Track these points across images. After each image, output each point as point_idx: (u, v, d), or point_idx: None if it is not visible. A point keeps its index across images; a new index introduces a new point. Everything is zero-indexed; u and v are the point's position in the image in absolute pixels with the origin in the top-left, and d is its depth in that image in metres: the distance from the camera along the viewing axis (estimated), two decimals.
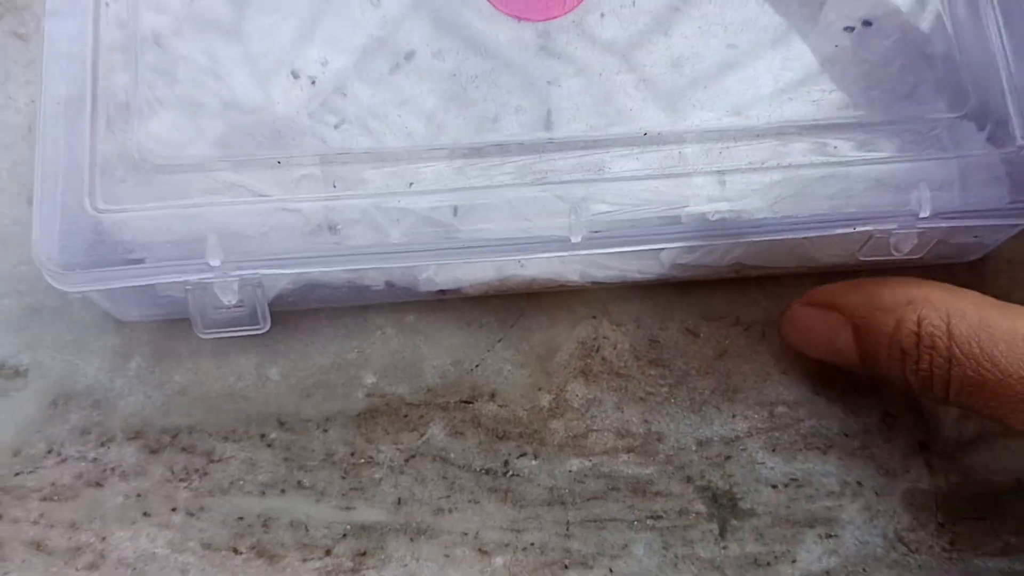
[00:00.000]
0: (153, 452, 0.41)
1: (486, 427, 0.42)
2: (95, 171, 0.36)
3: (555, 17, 0.40)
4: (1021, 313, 0.34)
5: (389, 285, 0.41)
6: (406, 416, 0.42)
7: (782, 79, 0.39)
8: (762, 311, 0.44)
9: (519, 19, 0.40)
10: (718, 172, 0.37)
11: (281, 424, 0.41)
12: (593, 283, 0.43)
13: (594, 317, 0.43)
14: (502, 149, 0.38)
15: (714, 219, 0.37)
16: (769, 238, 0.37)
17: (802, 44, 0.40)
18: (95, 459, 0.41)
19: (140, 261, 0.36)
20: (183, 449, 0.41)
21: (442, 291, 0.42)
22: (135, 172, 0.37)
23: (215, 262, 0.36)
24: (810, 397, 0.42)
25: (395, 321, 0.43)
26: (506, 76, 0.39)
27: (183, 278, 0.36)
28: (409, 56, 0.39)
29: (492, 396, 0.42)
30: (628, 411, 0.42)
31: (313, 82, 0.39)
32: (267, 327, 0.39)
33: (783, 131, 0.38)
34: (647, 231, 0.37)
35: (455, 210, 0.37)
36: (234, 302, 0.37)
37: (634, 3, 0.40)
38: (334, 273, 0.39)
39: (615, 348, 0.43)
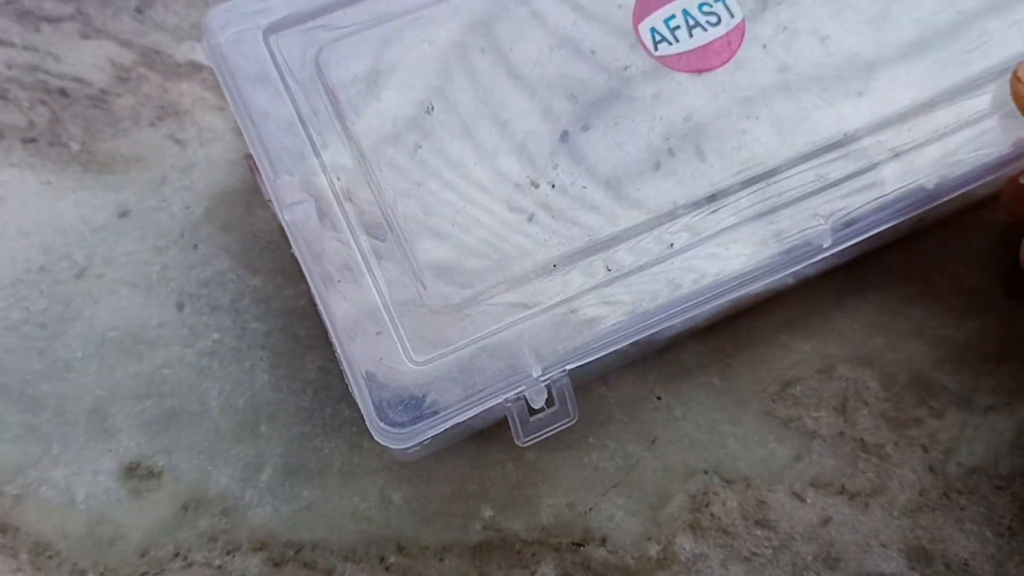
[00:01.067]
0: (276, 565, 0.42)
1: (595, 571, 0.43)
2: (391, 329, 0.38)
3: (727, 62, 0.43)
4: None
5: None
6: (519, 553, 0.43)
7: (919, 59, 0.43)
8: (868, 482, 0.45)
9: (698, 72, 0.42)
10: (897, 155, 0.41)
11: (400, 549, 0.43)
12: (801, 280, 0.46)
13: (705, 472, 0.45)
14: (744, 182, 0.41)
15: (931, 187, 0.41)
16: (967, 188, 0.42)
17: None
18: (220, 566, 0.42)
19: (436, 404, 0.38)
20: (305, 564, 0.42)
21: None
22: (381, 323, 0.38)
23: (536, 372, 0.37)
24: (905, 572, 0.44)
25: (516, 457, 0.44)
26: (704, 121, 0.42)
27: (504, 396, 0.38)
28: (583, 128, 0.42)
29: (603, 541, 0.44)
30: (733, 569, 0.43)
31: (536, 186, 0.41)
32: (576, 417, 0.40)
33: (928, 107, 0.42)
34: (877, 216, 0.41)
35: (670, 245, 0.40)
36: (543, 403, 0.39)
37: (785, 28, 0.43)
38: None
39: (724, 505, 0.44)
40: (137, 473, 0.43)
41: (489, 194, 0.40)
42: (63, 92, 0.48)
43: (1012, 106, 0.41)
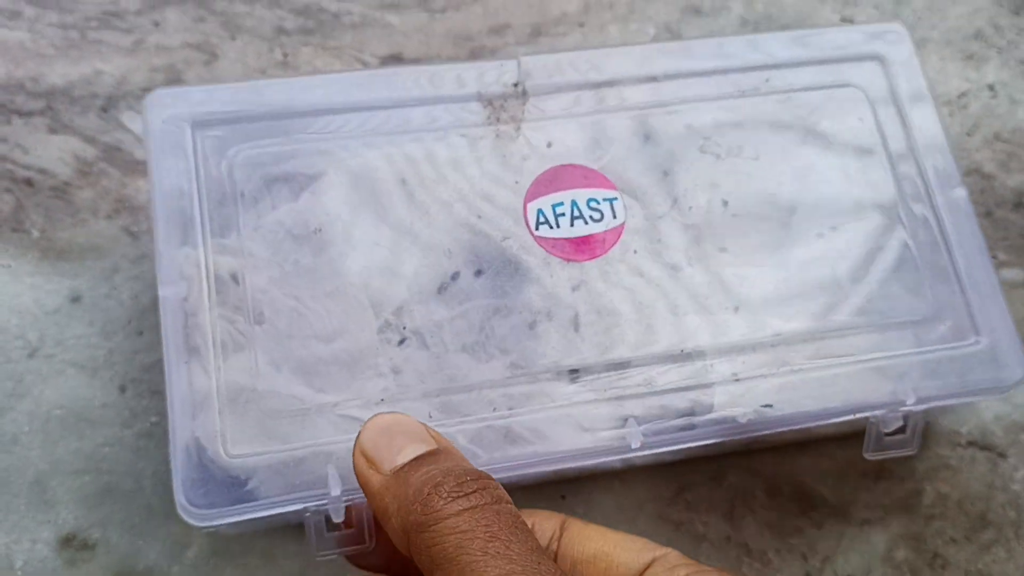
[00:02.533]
0: None
1: None
2: (216, 417, 0.42)
3: (595, 257, 0.47)
4: None
5: None
6: None
7: (780, 289, 0.47)
8: None
9: (567, 260, 0.47)
10: (737, 380, 0.44)
11: None
12: (629, 466, 0.48)
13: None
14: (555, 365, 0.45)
15: (743, 421, 0.43)
16: (783, 429, 0.44)
17: (788, 255, 0.47)
18: None
19: (254, 493, 0.41)
20: None
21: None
22: (233, 404, 0.43)
23: (336, 492, 0.41)
24: None
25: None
26: (549, 308, 0.46)
27: (303, 507, 0.41)
28: (455, 276, 0.46)
29: None
30: None
31: (403, 326, 0.45)
32: (373, 544, 0.42)
33: (786, 339, 0.45)
34: (687, 434, 0.44)
35: (509, 410, 0.44)
36: (341, 521, 0.41)
37: (659, 240, 0.47)
38: None
39: None
40: (73, 544, 0.45)
41: (361, 316, 0.44)
42: (28, 182, 0.51)
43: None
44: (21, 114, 0.53)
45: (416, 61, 0.57)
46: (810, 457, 0.50)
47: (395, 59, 0.58)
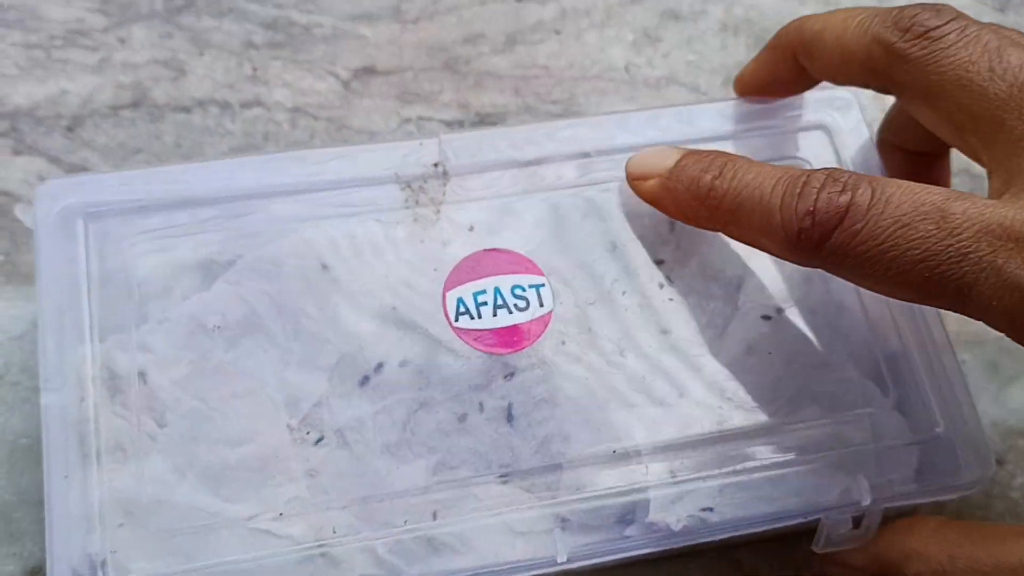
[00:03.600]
0: None
1: None
2: (109, 534, 0.39)
3: (520, 350, 0.44)
4: (1011, 541, 0.37)
5: None
6: None
7: (723, 384, 0.44)
8: None
9: (490, 352, 0.44)
10: (675, 482, 0.41)
11: None
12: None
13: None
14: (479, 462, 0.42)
15: (677, 528, 0.40)
16: (726, 536, 0.41)
17: (731, 340, 0.44)
18: None
19: None
20: None
21: None
22: (131, 517, 0.39)
23: None
24: None
25: None
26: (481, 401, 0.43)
27: None
28: (378, 368, 0.43)
29: None
30: None
31: (318, 426, 0.42)
32: None
33: (730, 434, 0.42)
34: (621, 544, 0.41)
35: (434, 516, 0.41)
36: None
37: (590, 329, 0.44)
38: None
39: None
40: None
41: (273, 416, 0.42)
42: None
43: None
44: None
45: (388, 73, 0.56)
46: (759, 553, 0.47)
47: (368, 71, 0.56)
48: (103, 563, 0.39)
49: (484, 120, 0.56)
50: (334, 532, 0.41)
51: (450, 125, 0.56)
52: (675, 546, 0.41)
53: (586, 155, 0.46)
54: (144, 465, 0.40)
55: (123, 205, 0.43)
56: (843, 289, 0.46)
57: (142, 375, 0.42)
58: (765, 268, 0.46)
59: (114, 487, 0.40)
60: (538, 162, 0.46)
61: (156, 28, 0.56)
